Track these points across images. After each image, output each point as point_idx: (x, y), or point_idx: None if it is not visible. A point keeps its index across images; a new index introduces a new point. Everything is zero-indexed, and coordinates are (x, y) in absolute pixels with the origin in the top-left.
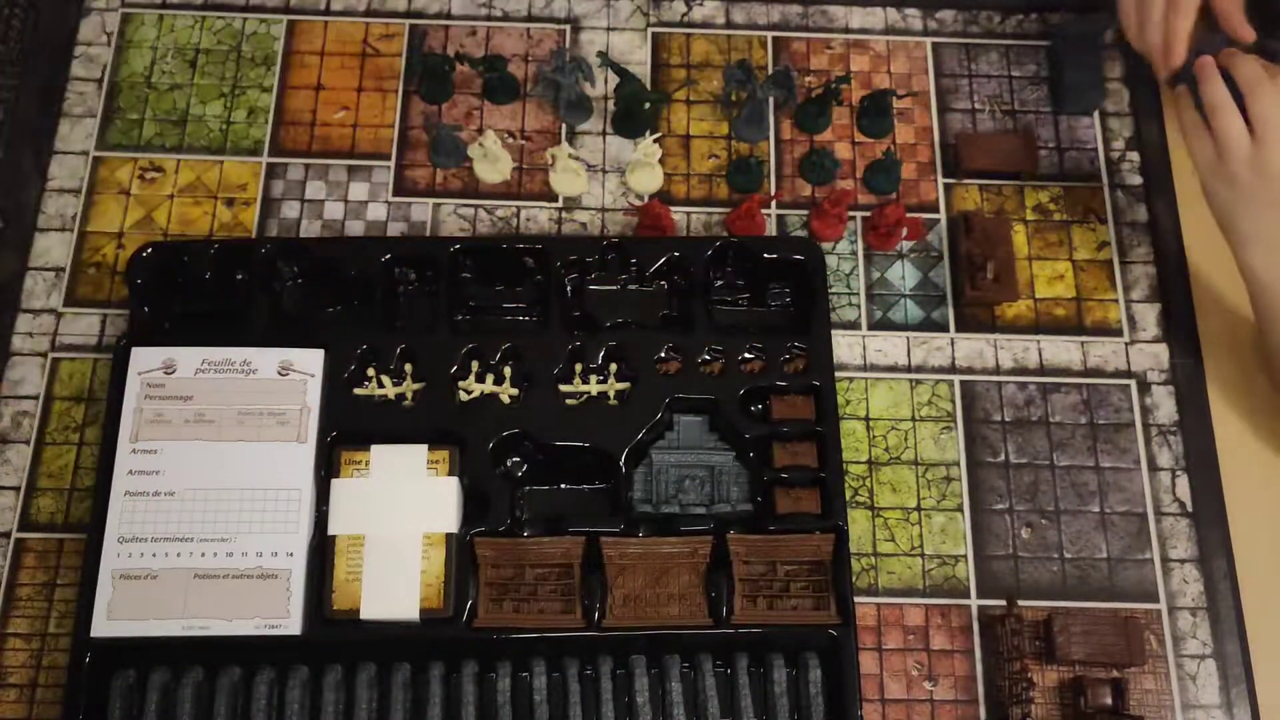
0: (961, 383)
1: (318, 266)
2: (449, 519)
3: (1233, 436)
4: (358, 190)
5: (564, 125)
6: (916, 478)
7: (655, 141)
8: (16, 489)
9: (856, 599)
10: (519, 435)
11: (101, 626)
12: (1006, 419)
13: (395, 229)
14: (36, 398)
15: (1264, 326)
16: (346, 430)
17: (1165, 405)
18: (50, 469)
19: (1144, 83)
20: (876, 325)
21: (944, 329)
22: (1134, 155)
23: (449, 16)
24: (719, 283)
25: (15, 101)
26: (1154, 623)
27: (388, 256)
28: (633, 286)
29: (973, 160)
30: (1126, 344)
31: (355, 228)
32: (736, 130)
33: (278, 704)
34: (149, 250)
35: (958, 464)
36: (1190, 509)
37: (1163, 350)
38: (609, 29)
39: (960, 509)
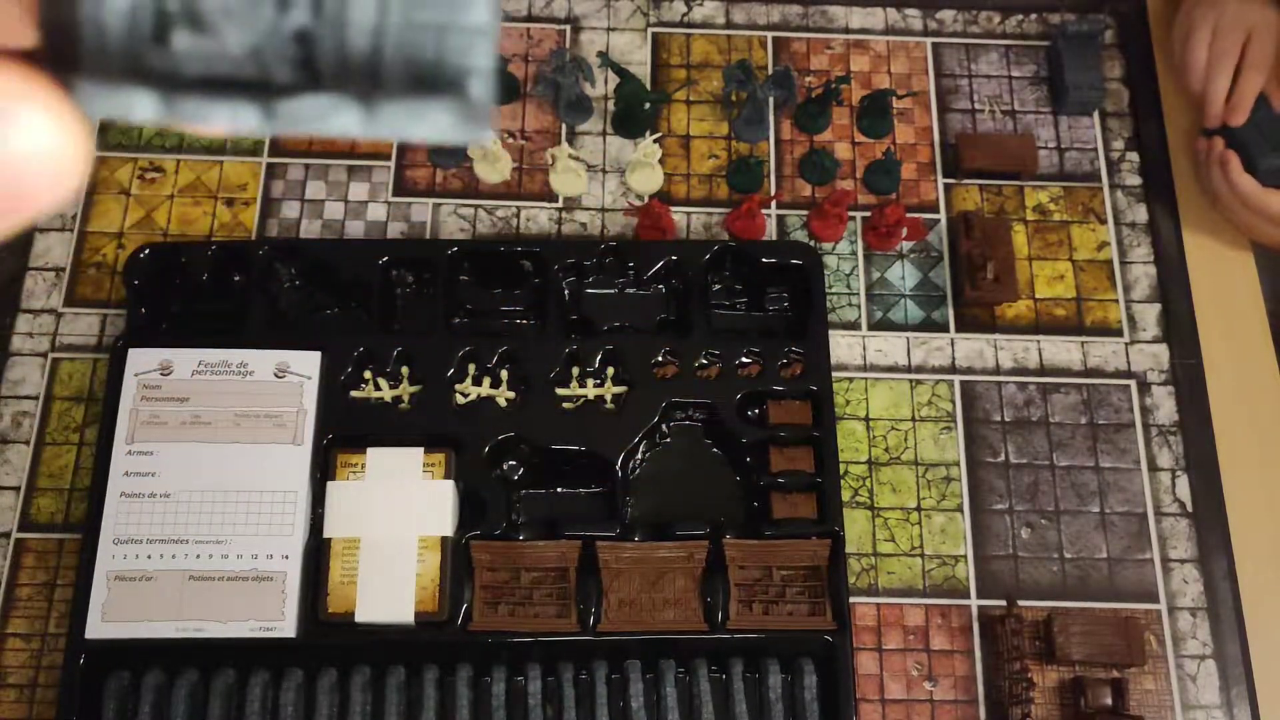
0: (961, 383)
1: (315, 268)
2: (444, 522)
3: (1233, 436)
4: (358, 190)
5: (564, 125)
6: (916, 478)
7: (655, 142)
8: (16, 489)
9: (857, 599)
10: (515, 438)
11: (96, 628)
12: (1006, 419)
13: (395, 229)
14: (36, 398)
15: None
16: (343, 433)
17: (1165, 405)
18: (50, 469)
19: (1144, 83)
20: (876, 325)
21: (944, 329)
22: (1134, 155)
23: None
24: (716, 286)
25: None
26: (1154, 623)
27: (385, 259)
28: (630, 290)
29: (973, 160)
30: (1126, 344)
31: (355, 228)
32: (736, 130)
33: (272, 707)
34: (146, 251)
35: (958, 464)
36: (1190, 509)
37: (1163, 350)
38: (609, 29)
39: (960, 509)
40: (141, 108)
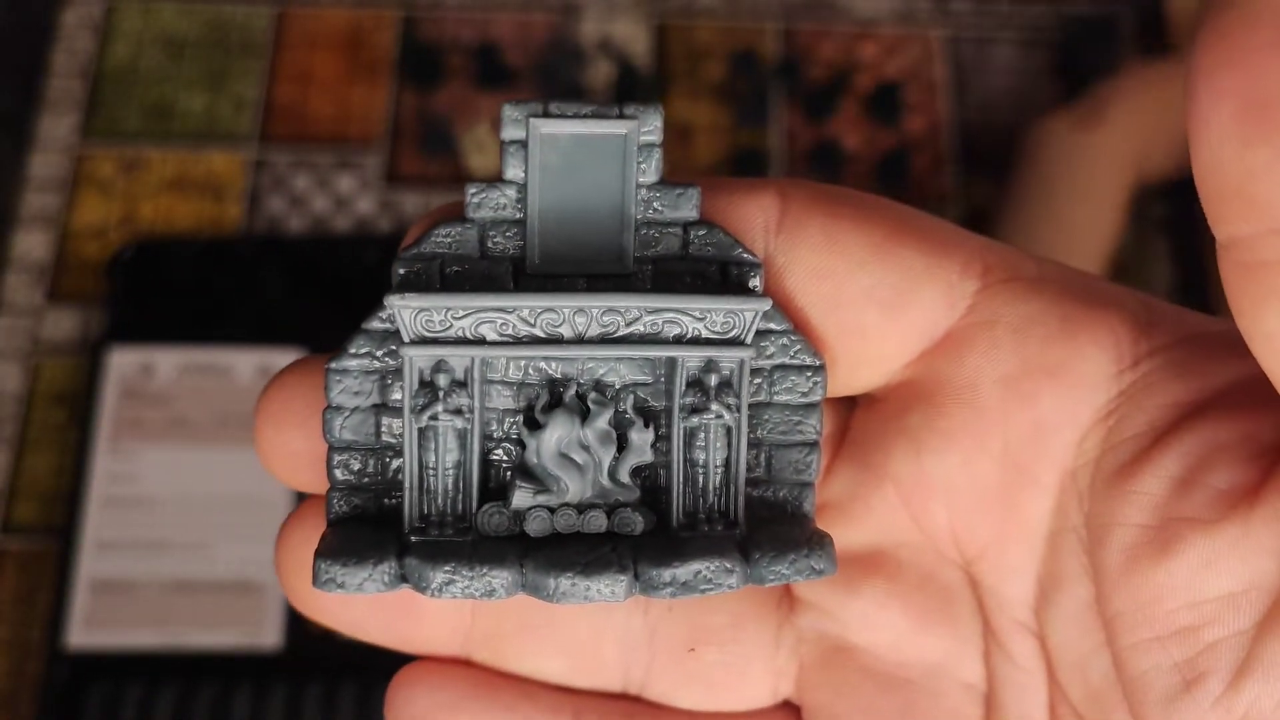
0: None
1: (303, 265)
2: None
3: None
4: (347, 183)
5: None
6: None
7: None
8: None
9: None
10: None
11: (75, 636)
12: None
13: (386, 222)
14: (18, 399)
15: None
16: None
17: None
18: (33, 473)
19: None
20: None
21: None
22: None
23: (441, 4)
24: None
25: None
26: None
27: (375, 254)
28: None
29: (986, 153)
30: None
31: (345, 221)
32: (740, 121)
33: None
34: (129, 249)
35: None
36: None
37: None
38: (609, 17)
39: None
40: (498, 586)
